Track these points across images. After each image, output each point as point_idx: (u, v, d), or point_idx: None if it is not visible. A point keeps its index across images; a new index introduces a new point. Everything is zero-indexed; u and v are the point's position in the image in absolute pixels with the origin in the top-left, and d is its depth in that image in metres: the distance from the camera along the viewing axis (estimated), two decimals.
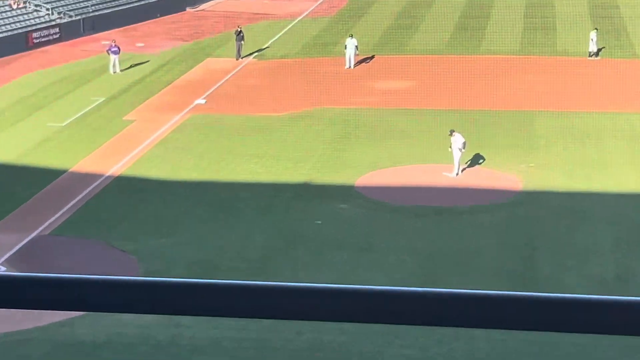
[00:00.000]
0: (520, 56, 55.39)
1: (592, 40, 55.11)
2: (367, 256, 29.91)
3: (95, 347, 24.32)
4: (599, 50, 55.33)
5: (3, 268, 28.75)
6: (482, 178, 36.71)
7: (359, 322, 2.12)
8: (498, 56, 55.32)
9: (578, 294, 2.10)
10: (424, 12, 67.15)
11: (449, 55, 55.58)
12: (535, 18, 65.05)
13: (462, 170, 36.95)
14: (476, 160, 38.24)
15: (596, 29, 56.51)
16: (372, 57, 55.71)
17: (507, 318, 2.06)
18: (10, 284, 2.17)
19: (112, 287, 2.14)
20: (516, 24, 63.49)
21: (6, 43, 58.39)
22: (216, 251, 30.45)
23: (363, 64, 54.54)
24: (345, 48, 54.24)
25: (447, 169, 36.91)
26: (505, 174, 37.02)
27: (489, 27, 62.75)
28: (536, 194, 34.99)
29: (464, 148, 36.53)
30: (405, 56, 55.41)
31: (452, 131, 37.11)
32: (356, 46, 53.86)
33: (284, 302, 2.12)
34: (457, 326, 2.07)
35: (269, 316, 2.11)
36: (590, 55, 54.90)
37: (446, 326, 2.07)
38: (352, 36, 54.61)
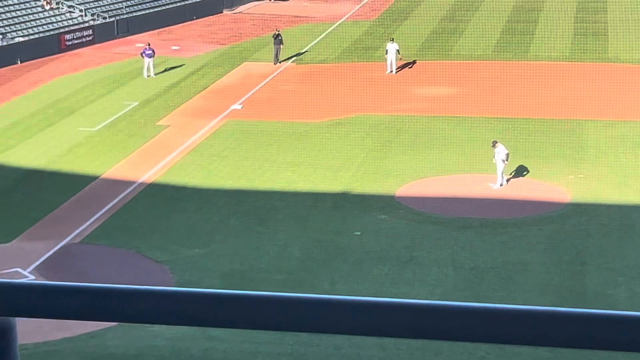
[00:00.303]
0: (570, 62, 55.05)
1: None
2: (408, 269, 29.84)
3: None
4: None
5: (32, 276, 28.96)
6: (528, 189, 36.52)
7: (398, 337, 2.11)
8: (547, 62, 55.08)
9: (628, 311, 2.08)
10: (469, 16, 66.99)
11: (495, 61, 55.36)
12: (586, 23, 64.67)
13: (507, 181, 36.78)
14: (523, 170, 38.03)
15: None
16: (414, 62, 55.61)
17: (554, 335, 2.05)
18: (39, 293, 2.19)
19: (144, 297, 2.15)
20: (566, 28, 63.13)
21: (38, 45, 58.82)
22: (251, 262, 30.50)
23: (405, 69, 54.48)
24: (386, 53, 54.21)
25: (492, 179, 36.75)
26: (553, 185, 36.80)
27: (537, 32, 62.50)
28: (585, 206, 34.76)
29: (507, 160, 36.33)
30: (450, 62, 55.30)
31: (494, 142, 36.88)
32: (397, 50, 53.81)
33: (321, 315, 2.12)
34: (502, 343, 2.05)
35: (305, 330, 2.11)
36: None
37: (490, 342, 2.06)
38: (393, 40, 54.54)
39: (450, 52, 57.90)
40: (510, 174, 37.43)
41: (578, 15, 66.67)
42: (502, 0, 68.50)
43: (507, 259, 30.49)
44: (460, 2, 69.47)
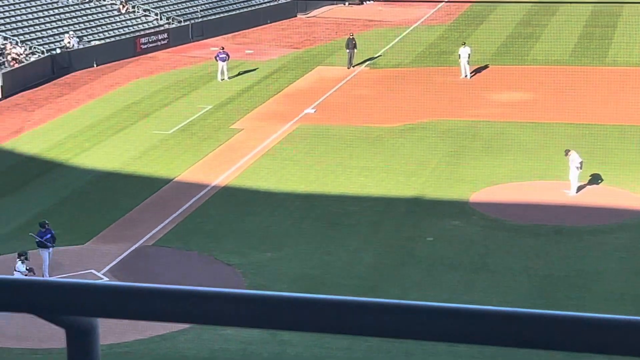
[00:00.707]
0: None
1: None
2: (482, 277, 29.69)
3: None
4: None
5: (105, 278, 29.26)
6: (605, 196, 36.13)
7: (471, 344, 2.11)
8: (625, 68, 54.46)
9: None
10: (546, 21, 66.47)
11: (572, 66, 54.79)
12: None
13: (581, 188, 36.41)
14: (599, 177, 37.62)
15: None
16: (486, 66, 55.26)
17: (628, 344, 2.03)
18: (113, 294, 2.22)
19: (218, 299, 2.18)
20: None
21: (114, 48, 59.47)
22: (323, 267, 30.54)
23: (479, 74, 54.18)
24: (459, 57, 53.99)
25: (567, 185, 36.41)
26: (631, 193, 36.36)
27: (615, 37, 61.81)
28: None
29: (581, 168, 35.96)
30: (526, 66, 54.92)
31: (567, 151, 36.43)
32: (469, 54, 53.54)
33: (392, 320, 2.13)
34: (574, 351, 2.05)
35: (375, 334, 2.11)
36: None
37: (562, 350, 2.05)
38: (464, 44, 54.27)
39: (526, 57, 57.48)
40: (587, 181, 37.07)
41: None
42: (580, 6, 67.76)
43: (582, 267, 30.20)
44: (537, 6, 68.87)
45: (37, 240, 29.82)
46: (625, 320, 2.03)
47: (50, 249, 29.81)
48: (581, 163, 35.99)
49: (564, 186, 36.54)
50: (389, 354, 24.73)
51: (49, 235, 29.80)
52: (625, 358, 2.03)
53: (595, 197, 36.12)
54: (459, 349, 24.36)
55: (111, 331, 25.25)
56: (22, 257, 27.95)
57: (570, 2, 68.86)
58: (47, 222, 30.47)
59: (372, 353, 24.79)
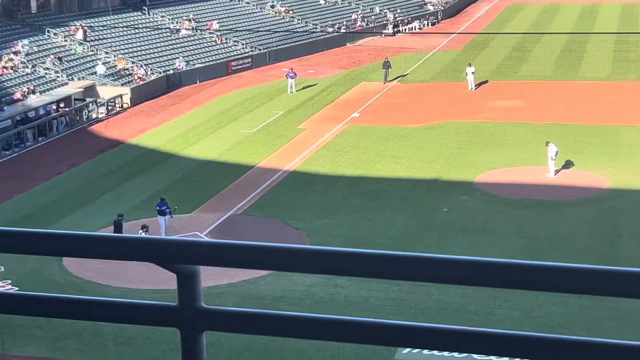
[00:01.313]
0: (610, 82, 53.67)
1: None
2: (484, 238, 29.58)
3: (273, 300, 24.76)
4: None
5: (206, 238, 29.47)
6: (576, 178, 35.78)
7: (476, 285, 2.10)
8: (591, 82, 53.84)
9: None
10: (532, 47, 65.71)
11: (552, 81, 54.25)
12: (622, 52, 62.80)
13: (557, 172, 36.10)
14: (572, 163, 37.27)
15: None
16: (486, 81, 54.78)
17: (590, 286, 2.01)
18: (210, 248, 2.24)
19: (288, 252, 2.19)
20: (607, 56, 61.45)
21: (212, 69, 59.88)
22: (366, 230, 30.57)
23: (482, 87, 53.75)
24: (466, 75, 53.61)
25: (547, 169, 36.10)
26: (596, 175, 35.96)
27: (585, 59, 60.96)
28: (620, 191, 33.89)
29: (555, 156, 35.72)
30: (517, 81, 54.39)
31: (547, 142, 36.48)
32: (474, 72, 53.17)
33: (417, 268, 2.12)
34: (552, 291, 2.03)
35: (404, 279, 2.11)
36: None
37: (544, 290, 2.04)
38: (470, 65, 53.98)
39: (517, 74, 56.89)
40: (562, 166, 36.72)
41: (616, 46, 64.77)
42: (557, 35, 66.90)
43: (559, 231, 29.97)
44: (525, 36, 68.08)
45: (158, 209, 30.15)
46: (591, 268, 2.02)
47: (167, 216, 30.12)
48: (556, 153, 35.75)
49: (545, 170, 36.24)
50: (416, 295, 24.71)
51: (165, 207, 30.11)
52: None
53: (568, 178, 35.79)
54: (467, 290, 24.29)
55: (210, 277, 25.50)
56: (144, 229, 28.26)
57: (549, 33, 68.12)
58: (164, 197, 30.76)
59: (402, 294, 24.79)
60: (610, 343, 2.01)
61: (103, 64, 55.13)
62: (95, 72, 53.82)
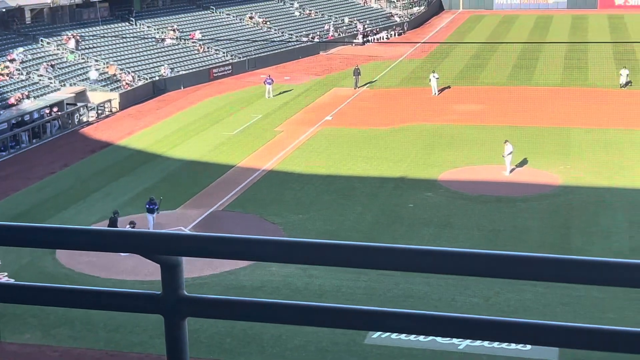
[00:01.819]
0: (561, 87, 54.09)
1: (621, 75, 53.71)
2: (446, 231, 29.69)
3: (253, 290, 24.70)
4: (628, 83, 53.63)
5: (190, 232, 29.31)
6: (531, 175, 36.02)
7: (438, 273, 2.11)
8: (545, 87, 54.22)
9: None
10: (490, 55, 66.07)
11: (509, 87, 54.56)
12: (572, 60, 63.33)
13: (512, 170, 36.33)
14: (527, 162, 37.53)
15: (625, 66, 55.24)
16: (449, 87, 55.02)
17: (544, 273, 2.03)
18: (193, 240, 2.23)
19: (266, 244, 2.18)
20: (558, 64, 61.94)
21: (195, 76, 59.67)
22: (338, 224, 30.59)
23: (445, 92, 53.96)
24: (430, 81, 53.80)
25: (504, 168, 36.32)
26: (548, 173, 36.23)
27: (538, 66, 61.39)
28: (571, 188, 34.18)
29: (508, 155, 35.97)
30: (476, 87, 54.67)
31: (506, 141, 36.70)
32: (437, 79, 53.40)
33: (384, 258, 2.12)
34: (509, 278, 2.04)
35: (373, 268, 2.12)
36: (621, 87, 53.29)
37: (501, 278, 2.05)
38: (434, 71, 54.25)
39: (476, 80, 57.19)
40: (518, 165, 36.96)
41: (567, 54, 65.31)
42: (514, 44, 67.33)
43: (515, 224, 30.15)
44: (483, 45, 68.46)
45: (147, 207, 29.95)
46: (542, 257, 2.03)
47: (155, 214, 29.93)
48: (510, 152, 36.02)
49: (502, 169, 36.44)
50: (383, 283, 24.76)
51: (154, 206, 29.91)
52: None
53: (524, 176, 36.02)
54: (431, 279, 24.40)
55: (193, 268, 25.41)
56: (132, 225, 28.07)
57: (506, 43, 68.53)
58: (153, 197, 30.57)
59: (371, 283, 24.83)
60: (561, 325, 2.03)
61: (96, 70, 54.88)
62: (89, 78, 53.62)
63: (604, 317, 21.97)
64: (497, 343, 18.93)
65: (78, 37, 58.64)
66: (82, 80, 53.53)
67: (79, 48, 57.79)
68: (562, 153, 39.02)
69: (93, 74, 53.72)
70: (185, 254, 2.21)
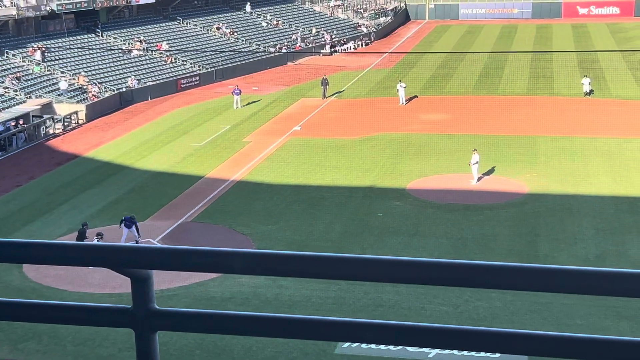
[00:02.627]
0: (527, 96, 54.63)
1: (583, 84, 54.42)
2: (415, 240, 29.77)
3: (222, 301, 24.58)
4: (591, 91, 54.32)
5: (158, 244, 29.11)
6: (498, 183, 36.29)
7: (406, 283, 2.12)
8: (511, 96, 54.71)
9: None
10: (457, 65, 66.61)
11: (475, 96, 55.02)
12: (538, 69, 64.06)
13: (480, 179, 36.58)
14: (494, 170, 37.81)
15: (586, 75, 56.01)
16: (416, 96, 55.33)
17: (513, 282, 2.05)
18: (161, 253, 2.22)
19: (236, 256, 2.18)
20: (524, 72, 62.60)
21: (162, 87, 59.43)
22: (307, 234, 30.55)
23: (412, 101, 54.25)
24: (397, 90, 54.09)
25: (471, 177, 36.56)
26: (515, 181, 36.53)
27: (504, 75, 62.00)
28: (538, 195, 34.48)
29: (474, 163, 36.23)
30: (443, 96, 55.04)
31: (474, 150, 36.97)
32: (404, 88, 53.68)
33: (354, 268, 2.13)
34: (478, 287, 2.06)
35: (343, 278, 2.12)
36: (585, 95, 53.97)
37: (471, 287, 2.06)
38: (401, 81, 54.58)
39: (443, 90, 57.59)
40: (485, 173, 37.23)
41: (532, 64, 66.04)
42: (479, 54, 67.98)
43: (483, 232, 30.33)
44: (450, 55, 69.03)
45: (126, 221, 29.48)
46: (511, 265, 2.05)
47: (130, 230, 29.44)
48: (477, 162, 36.28)
49: (470, 177, 36.69)
50: (354, 293, 24.75)
51: (132, 227, 29.40)
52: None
53: (492, 184, 36.28)
54: (400, 288, 24.45)
55: (162, 280, 25.22)
56: (99, 237, 27.76)
57: (472, 52, 69.16)
58: (134, 216, 30.01)
59: (341, 293, 24.82)
60: (529, 333, 2.05)
61: (65, 80, 54.50)
62: (59, 88, 53.29)
63: (572, 324, 22.18)
64: (467, 351, 19.00)
65: (44, 49, 58.15)
66: (49, 92, 53.04)
67: (45, 60, 57.30)
68: (528, 161, 39.39)
69: (63, 85, 53.47)
70: (155, 267, 2.20)
